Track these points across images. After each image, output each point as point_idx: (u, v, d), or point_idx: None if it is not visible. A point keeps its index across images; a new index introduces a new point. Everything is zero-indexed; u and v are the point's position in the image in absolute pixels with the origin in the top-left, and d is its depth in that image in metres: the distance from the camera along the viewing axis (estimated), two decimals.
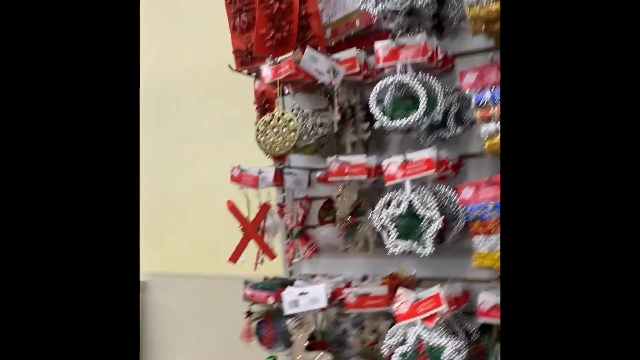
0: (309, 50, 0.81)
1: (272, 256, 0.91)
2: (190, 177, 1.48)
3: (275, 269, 1.04)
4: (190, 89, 1.46)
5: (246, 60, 0.92)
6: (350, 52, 0.87)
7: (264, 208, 0.93)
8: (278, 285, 0.92)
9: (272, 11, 0.83)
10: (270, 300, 0.91)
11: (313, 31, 0.86)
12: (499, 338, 0.81)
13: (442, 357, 0.74)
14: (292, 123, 0.82)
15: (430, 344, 0.75)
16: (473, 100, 0.79)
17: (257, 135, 0.84)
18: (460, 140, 0.89)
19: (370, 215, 0.86)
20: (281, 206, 1.07)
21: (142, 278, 1.53)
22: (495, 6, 0.70)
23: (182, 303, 1.50)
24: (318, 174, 1.01)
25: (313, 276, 1.00)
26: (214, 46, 1.14)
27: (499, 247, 0.76)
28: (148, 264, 1.56)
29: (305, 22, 0.86)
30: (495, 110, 0.77)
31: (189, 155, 1.48)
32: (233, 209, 0.92)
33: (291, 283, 0.92)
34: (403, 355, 0.76)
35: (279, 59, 0.84)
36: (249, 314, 0.94)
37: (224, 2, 0.94)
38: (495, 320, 0.78)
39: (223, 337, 1.09)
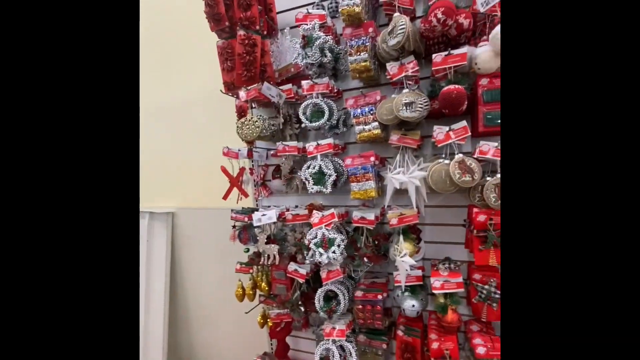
0: (266, 84, 1.30)
1: (246, 195, 1.45)
2: (203, 155, 2.17)
3: (249, 203, 1.59)
4: (199, 107, 2.17)
5: (230, 88, 1.39)
6: (289, 86, 1.38)
7: (241, 170, 1.46)
8: (250, 211, 1.45)
9: (245, 61, 1.33)
10: (246, 219, 1.45)
11: (268, 74, 1.36)
12: (362, 233, 1.29)
13: (335, 243, 1.24)
14: (257, 123, 1.33)
15: (329, 236, 1.24)
16: (351, 114, 1.25)
17: (237, 129, 1.35)
18: (346, 135, 1.43)
19: (299, 173, 1.34)
20: (252, 169, 1.58)
21: (172, 210, 2.28)
22: (362, 64, 1.19)
23: (198, 226, 2.24)
24: (272, 152, 1.48)
25: (269, 206, 1.53)
26: (208, 81, 1.70)
27: (364, 188, 1.25)
28: (176, 201, 2.23)
29: (264, 68, 1.36)
30: (362, 119, 1.24)
31: (203, 141, 2.20)
32: (224, 170, 1.45)
33: (257, 210, 1.44)
34: (315, 243, 1.26)
35: (249, 87, 1.33)
36: (234, 226, 1.49)
37: (217, 54, 1.42)
38: (361, 225, 1.26)
39: (224, 244, 1.65)
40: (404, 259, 1.20)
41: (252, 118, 1.35)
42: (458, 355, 1.18)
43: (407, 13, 1.18)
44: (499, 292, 1.16)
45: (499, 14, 1.04)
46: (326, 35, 1.25)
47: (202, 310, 2.37)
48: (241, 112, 1.44)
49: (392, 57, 1.20)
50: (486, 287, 1.17)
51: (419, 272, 1.26)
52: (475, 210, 1.14)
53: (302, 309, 1.40)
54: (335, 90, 1.38)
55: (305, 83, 1.32)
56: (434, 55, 1.10)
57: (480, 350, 1.15)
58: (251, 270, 1.53)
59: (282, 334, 1.54)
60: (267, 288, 1.56)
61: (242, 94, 1.34)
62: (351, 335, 1.43)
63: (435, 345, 1.19)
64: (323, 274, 1.35)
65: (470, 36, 1.15)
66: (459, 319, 1.17)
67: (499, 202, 1.06)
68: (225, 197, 1.47)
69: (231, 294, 1.61)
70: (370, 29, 1.19)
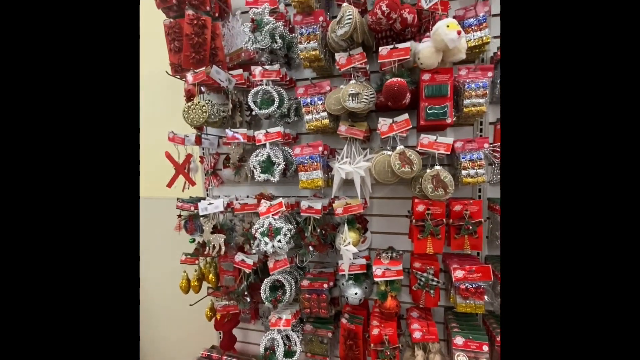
0: (214, 67, 1.27)
1: (192, 183, 1.41)
2: (149, 141, 1.96)
3: (198, 193, 1.53)
4: (144, 89, 2.01)
5: (177, 70, 1.34)
6: (239, 71, 1.35)
7: (188, 156, 1.41)
8: (197, 200, 1.42)
9: (193, 42, 1.29)
10: (192, 208, 1.40)
11: (219, 58, 1.32)
12: (309, 223, 1.30)
13: (281, 232, 1.25)
14: (204, 107, 1.29)
15: (275, 226, 1.27)
16: (301, 103, 1.25)
17: (183, 114, 1.30)
18: (298, 125, 1.43)
19: (248, 161, 1.34)
20: (202, 157, 1.56)
21: None
22: (312, 53, 1.17)
23: (142, 216, 2.07)
24: (224, 139, 1.46)
25: (219, 196, 1.50)
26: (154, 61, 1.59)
27: (311, 178, 1.24)
28: None
29: (214, 52, 1.31)
30: (312, 108, 1.22)
31: (150, 126, 1.98)
32: (169, 156, 1.40)
33: (204, 199, 1.43)
34: (261, 232, 1.27)
35: (197, 70, 1.28)
36: (179, 216, 1.44)
37: (164, 34, 1.35)
38: (308, 214, 1.27)
39: (169, 235, 1.59)
40: (348, 247, 1.22)
41: (199, 102, 1.30)
42: (397, 341, 1.22)
43: (357, 5, 1.19)
44: (436, 279, 1.21)
45: (440, 11, 1.08)
46: (277, 22, 1.23)
47: (148, 304, 2.26)
48: (190, 97, 1.37)
49: (341, 48, 1.21)
50: (424, 274, 1.22)
51: (363, 261, 1.29)
52: (415, 200, 1.18)
53: (248, 299, 1.38)
54: (288, 79, 1.37)
55: (255, 69, 1.30)
56: (380, 48, 1.12)
57: (417, 335, 1.19)
58: (197, 262, 1.48)
59: (228, 325, 1.51)
60: (214, 280, 1.52)
61: (190, 76, 1.29)
62: (298, 325, 1.43)
63: (375, 331, 1.22)
64: (270, 264, 1.34)
65: (416, 32, 1.18)
66: (397, 305, 1.21)
67: (436, 192, 1.10)
68: (169, 185, 1.41)
69: (177, 286, 1.55)
70: (321, 18, 1.19)
